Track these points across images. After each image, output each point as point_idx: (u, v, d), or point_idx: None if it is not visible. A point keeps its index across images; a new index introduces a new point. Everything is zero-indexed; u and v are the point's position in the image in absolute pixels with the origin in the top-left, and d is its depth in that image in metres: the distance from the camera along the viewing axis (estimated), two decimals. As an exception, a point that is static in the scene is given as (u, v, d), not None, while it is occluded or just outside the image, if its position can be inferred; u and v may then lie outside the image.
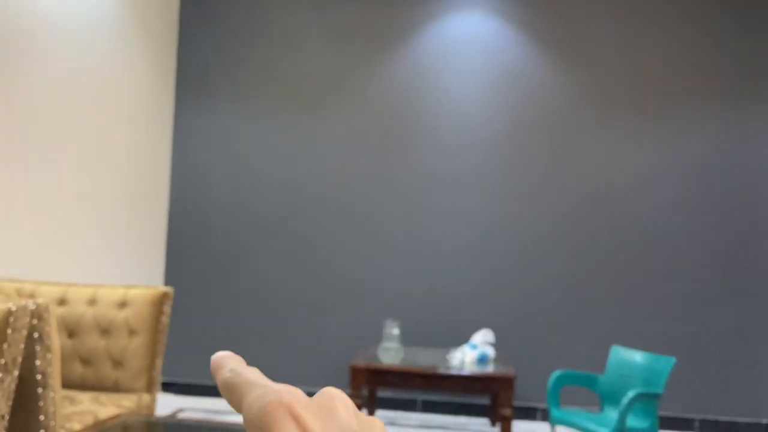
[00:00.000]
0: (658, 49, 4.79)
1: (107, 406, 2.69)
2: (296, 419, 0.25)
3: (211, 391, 5.01)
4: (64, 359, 2.95)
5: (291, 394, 0.26)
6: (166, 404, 4.77)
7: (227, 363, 0.29)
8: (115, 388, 2.95)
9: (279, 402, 0.25)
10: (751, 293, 4.65)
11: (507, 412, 3.59)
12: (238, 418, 4.36)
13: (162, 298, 3.04)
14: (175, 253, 5.09)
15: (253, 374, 0.28)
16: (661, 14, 4.80)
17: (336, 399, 0.27)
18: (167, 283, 5.10)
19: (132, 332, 2.99)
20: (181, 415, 4.42)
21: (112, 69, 4.31)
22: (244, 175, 5.05)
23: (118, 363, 2.96)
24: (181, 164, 5.13)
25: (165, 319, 3.06)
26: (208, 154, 5.11)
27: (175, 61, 5.18)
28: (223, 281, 5.03)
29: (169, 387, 5.06)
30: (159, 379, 3.03)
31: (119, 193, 4.46)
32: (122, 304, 3.01)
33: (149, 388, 2.97)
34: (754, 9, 4.72)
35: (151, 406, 2.96)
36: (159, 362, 3.03)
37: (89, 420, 2.53)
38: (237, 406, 0.28)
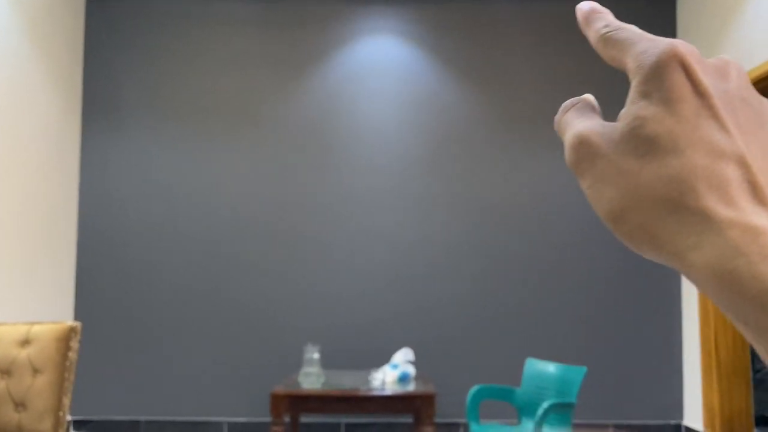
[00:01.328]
0: (561, 75, 5.03)
1: (9, 452, 2.54)
2: (687, 71, 0.25)
3: (128, 427, 4.81)
4: (-39, 404, 2.77)
5: (686, 46, 0.25)
6: (78, 444, 4.55)
7: (599, 18, 0.29)
8: None
9: (674, 52, 0.25)
10: (653, 302, 4.90)
11: (429, 429, 3.63)
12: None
13: (69, 334, 2.92)
14: (86, 285, 4.89)
15: (635, 28, 0.27)
16: (571, 46, 5.04)
17: (731, 65, 0.26)
18: (78, 316, 4.89)
19: (36, 371, 2.85)
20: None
21: (8, 93, 4.13)
22: (157, 200, 4.93)
23: (20, 405, 2.82)
24: (90, 189, 4.95)
25: (73, 355, 2.93)
26: (119, 178, 4.95)
27: (81, 81, 5.01)
28: (137, 311, 4.87)
29: (81, 425, 4.83)
30: (66, 419, 2.90)
31: (21, 224, 4.26)
32: (25, 342, 2.87)
33: (56, 430, 2.84)
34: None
35: (59, 447, 2.82)
36: (66, 401, 2.90)
37: (-12, 468, 2.39)
38: (617, 61, 0.27)
